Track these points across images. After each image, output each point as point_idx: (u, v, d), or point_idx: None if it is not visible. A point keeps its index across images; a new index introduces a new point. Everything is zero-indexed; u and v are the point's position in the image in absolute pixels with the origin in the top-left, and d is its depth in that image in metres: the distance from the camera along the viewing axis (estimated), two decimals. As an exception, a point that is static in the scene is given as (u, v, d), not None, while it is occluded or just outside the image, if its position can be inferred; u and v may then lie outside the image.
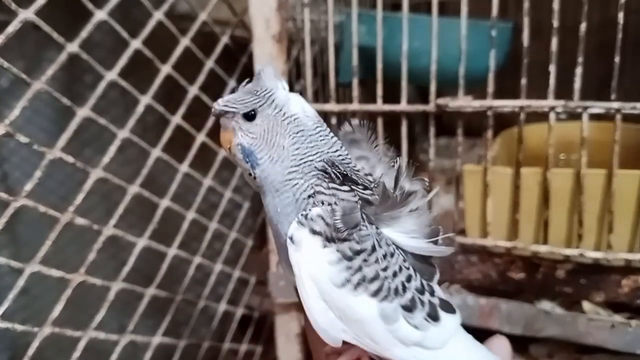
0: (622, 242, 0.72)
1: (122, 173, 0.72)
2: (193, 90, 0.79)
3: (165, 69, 0.74)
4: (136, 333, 0.73)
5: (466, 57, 0.76)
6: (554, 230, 0.74)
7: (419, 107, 0.80)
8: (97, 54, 0.68)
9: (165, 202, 0.76)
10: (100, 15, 0.64)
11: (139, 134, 0.72)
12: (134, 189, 0.70)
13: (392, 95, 0.82)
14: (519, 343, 0.81)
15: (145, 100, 0.71)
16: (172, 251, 0.78)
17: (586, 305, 0.78)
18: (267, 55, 0.81)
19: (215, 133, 0.86)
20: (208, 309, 0.88)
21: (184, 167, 0.79)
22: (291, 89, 0.90)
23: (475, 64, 0.79)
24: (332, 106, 0.85)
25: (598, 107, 0.70)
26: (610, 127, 0.71)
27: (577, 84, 0.71)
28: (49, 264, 0.60)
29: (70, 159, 0.61)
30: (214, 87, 0.85)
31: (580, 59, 0.70)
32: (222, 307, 0.91)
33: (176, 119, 0.77)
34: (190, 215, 0.82)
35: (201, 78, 0.81)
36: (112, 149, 0.67)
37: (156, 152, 0.74)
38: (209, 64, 0.82)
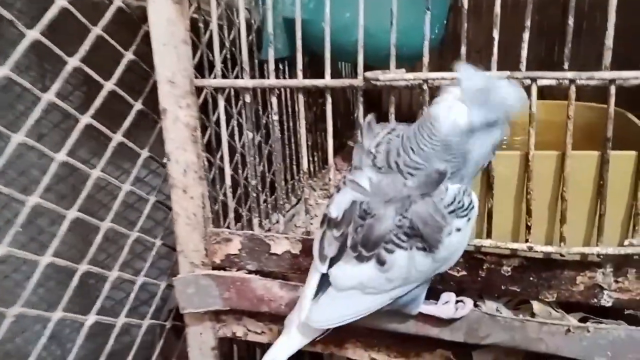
0: (576, 233, 0.64)
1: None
2: (73, 62, 0.66)
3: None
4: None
5: (402, 31, 0.67)
6: (498, 221, 0.66)
7: (345, 82, 0.69)
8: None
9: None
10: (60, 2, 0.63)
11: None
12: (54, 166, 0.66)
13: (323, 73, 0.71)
14: (460, 350, 0.72)
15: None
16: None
17: (536, 305, 0.70)
18: (164, 20, 0.68)
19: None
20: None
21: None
22: (200, 64, 0.77)
23: (411, 39, 0.72)
24: (245, 82, 0.73)
25: (549, 77, 0.61)
26: (559, 105, 0.63)
27: (524, 52, 0.62)
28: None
29: None
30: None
31: (527, 23, 0.61)
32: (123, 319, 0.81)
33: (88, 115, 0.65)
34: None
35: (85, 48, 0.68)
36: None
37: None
38: (96, 31, 0.69)
